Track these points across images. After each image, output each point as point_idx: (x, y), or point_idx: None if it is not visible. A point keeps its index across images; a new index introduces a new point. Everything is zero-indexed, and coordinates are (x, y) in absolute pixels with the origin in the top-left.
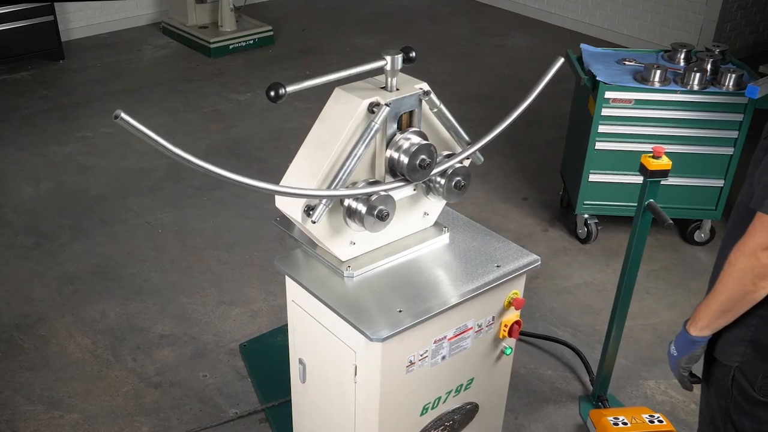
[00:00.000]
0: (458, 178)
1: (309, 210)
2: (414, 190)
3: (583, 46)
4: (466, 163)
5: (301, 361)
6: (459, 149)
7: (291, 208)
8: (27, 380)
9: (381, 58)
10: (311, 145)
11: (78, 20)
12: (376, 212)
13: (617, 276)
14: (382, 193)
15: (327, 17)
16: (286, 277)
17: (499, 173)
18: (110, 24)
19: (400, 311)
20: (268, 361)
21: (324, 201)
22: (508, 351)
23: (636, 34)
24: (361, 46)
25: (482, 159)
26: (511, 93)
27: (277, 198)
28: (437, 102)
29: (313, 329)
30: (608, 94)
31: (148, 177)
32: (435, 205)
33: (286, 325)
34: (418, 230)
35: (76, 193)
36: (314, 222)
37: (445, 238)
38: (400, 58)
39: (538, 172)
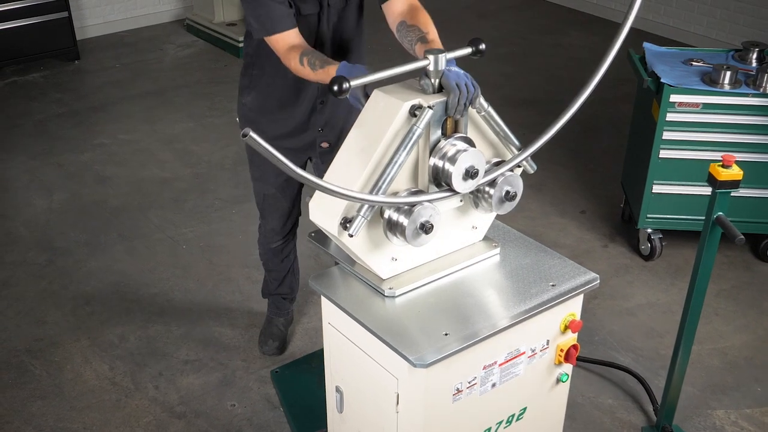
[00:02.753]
0: (508, 188)
1: (346, 223)
2: (461, 201)
3: (646, 45)
4: (518, 171)
5: (338, 389)
6: (509, 156)
7: (326, 221)
8: (39, 410)
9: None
10: (348, 151)
11: (94, 17)
12: (419, 224)
13: (683, 296)
14: (426, 203)
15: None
16: (322, 297)
17: (554, 184)
18: (129, 21)
19: (446, 334)
20: (302, 389)
21: (362, 213)
22: (565, 378)
23: (704, 32)
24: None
25: (535, 167)
26: (568, 97)
27: (311, 210)
28: (485, 104)
29: (351, 354)
30: (674, 98)
31: (171, 188)
32: (484, 218)
33: (322, 349)
34: (465, 245)
35: (92, 205)
36: (351, 235)
37: (495, 253)
38: (443, 57)
39: (597, 182)
